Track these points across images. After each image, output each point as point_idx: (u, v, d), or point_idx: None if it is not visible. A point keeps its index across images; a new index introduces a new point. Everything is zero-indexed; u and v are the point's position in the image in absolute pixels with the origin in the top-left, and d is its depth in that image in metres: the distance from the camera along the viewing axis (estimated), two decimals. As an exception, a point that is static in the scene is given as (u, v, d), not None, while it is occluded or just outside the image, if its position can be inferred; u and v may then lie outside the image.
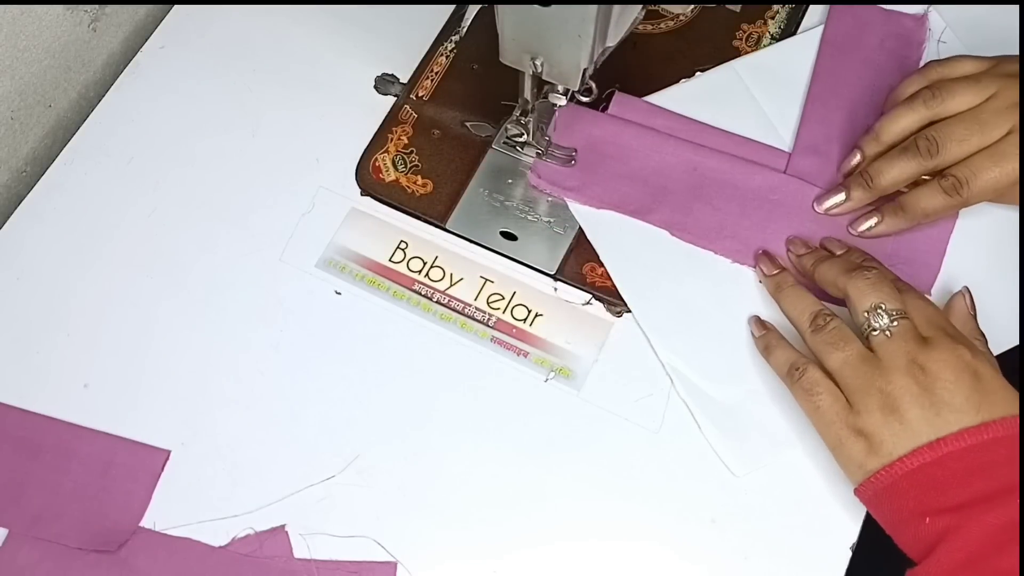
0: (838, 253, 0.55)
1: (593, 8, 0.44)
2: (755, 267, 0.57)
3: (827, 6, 0.65)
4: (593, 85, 0.59)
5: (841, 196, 0.57)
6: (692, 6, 0.65)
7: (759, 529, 0.52)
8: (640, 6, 0.54)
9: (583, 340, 0.57)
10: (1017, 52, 0.57)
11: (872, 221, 0.56)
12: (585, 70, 0.50)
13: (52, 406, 0.56)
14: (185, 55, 0.66)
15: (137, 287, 0.59)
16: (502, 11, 0.48)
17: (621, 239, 0.59)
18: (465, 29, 0.65)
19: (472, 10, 0.65)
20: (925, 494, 0.45)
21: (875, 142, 0.56)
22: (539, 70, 0.50)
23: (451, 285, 0.59)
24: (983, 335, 0.51)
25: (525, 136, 0.58)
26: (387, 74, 0.63)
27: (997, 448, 0.44)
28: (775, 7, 0.66)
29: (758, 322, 0.55)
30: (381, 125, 0.63)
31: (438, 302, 0.58)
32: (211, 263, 0.59)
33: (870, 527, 0.50)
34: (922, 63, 0.62)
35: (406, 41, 0.65)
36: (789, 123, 0.62)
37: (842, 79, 0.62)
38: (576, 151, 0.60)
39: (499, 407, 0.56)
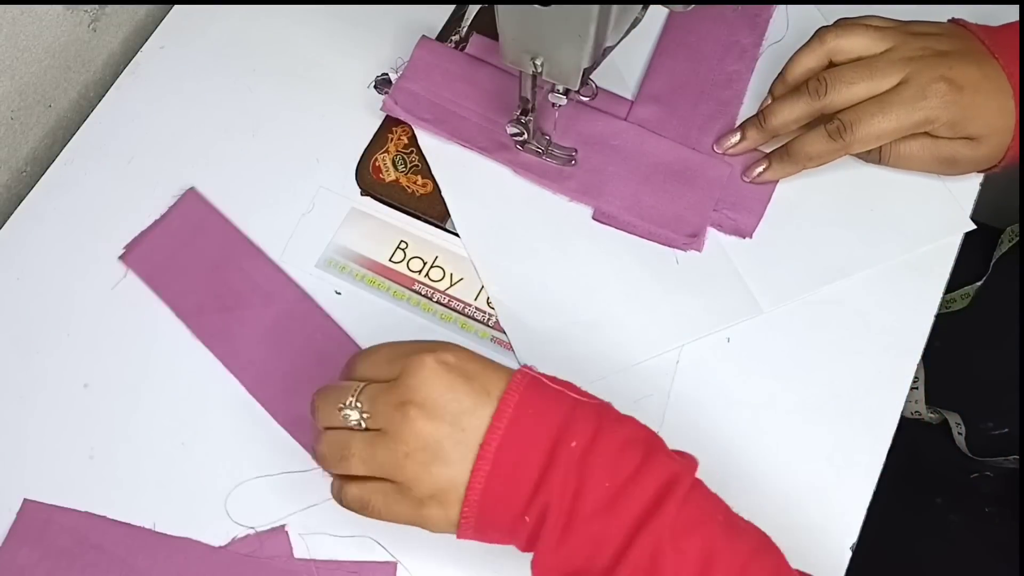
0: None
1: (593, 8, 0.44)
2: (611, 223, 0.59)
3: (828, 7, 0.65)
4: (594, 85, 0.60)
5: (736, 137, 0.59)
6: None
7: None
8: (640, 6, 0.54)
9: (583, 340, 0.57)
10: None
11: (761, 167, 0.59)
12: (585, 70, 0.50)
13: (52, 406, 0.56)
14: (185, 55, 0.66)
15: (137, 287, 0.59)
16: (502, 11, 0.48)
17: (464, 174, 0.61)
18: (465, 29, 0.65)
19: (472, 10, 0.65)
20: (508, 501, 0.43)
21: (758, 131, 0.58)
22: (539, 70, 0.50)
23: (451, 285, 0.59)
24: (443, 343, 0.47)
25: (525, 136, 0.58)
26: (387, 74, 0.63)
27: (523, 422, 0.43)
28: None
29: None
30: (381, 125, 0.63)
31: (438, 302, 0.58)
32: (211, 263, 0.59)
33: (870, 527, 0.50)
34: (771, 21, 0.64)
35: (406, 41, 0.65)
36: (635, 72, 0.64)
37: (691, 31, 0.64)
38: (576, 151, 0.60)
39: (499, 407, 0.56)
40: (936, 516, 0.74)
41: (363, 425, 0.44)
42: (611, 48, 0.52)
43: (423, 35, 0.63)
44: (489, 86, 0.62)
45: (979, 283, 0.75)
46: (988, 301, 0.75)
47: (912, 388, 0.77)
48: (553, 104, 0.54)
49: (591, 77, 0.61)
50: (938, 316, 0.57)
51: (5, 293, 0.59)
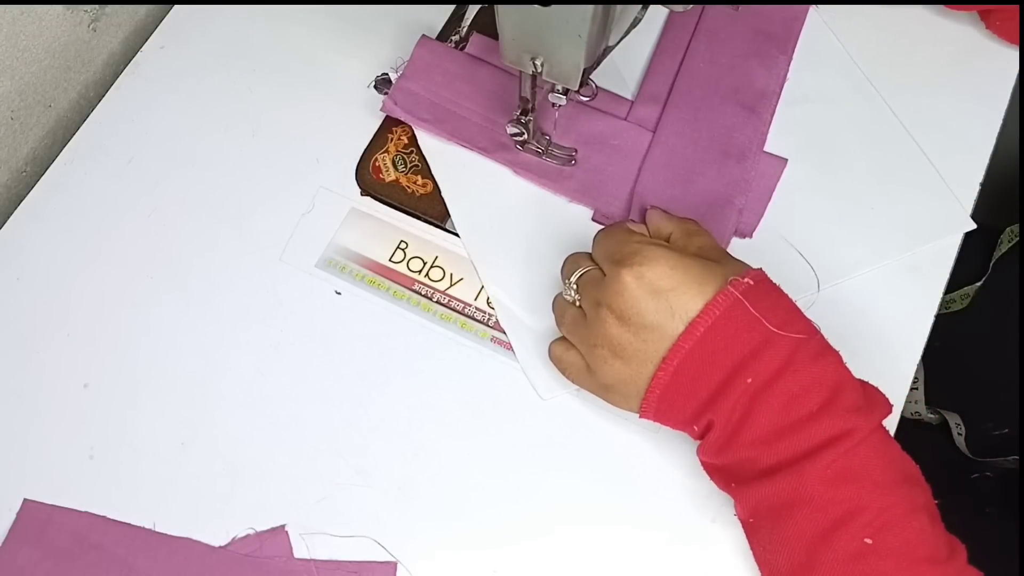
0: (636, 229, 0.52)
1: (593, 8, 0.44)
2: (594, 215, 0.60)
3: (828, 6, 0.66)
4: (594, 84, 0.60)
5: None
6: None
7: (759, 529, 0.52)
8: (640, 6, 0.54)
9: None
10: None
11: None
12: (585, 70, 0.50)
13: (52, 406, 0.56)
14: (185, 55, 0.66)
15: (137, 287, 0.59)
16: (502, 11, 0.48)
17: (464, 174, 0.61)
18: (465, 29, 0.65)
19: (472, 10, 0.65)
20: (680, 409, 0.47)
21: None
22: (539, 70, 0.50)
23: (451, 285, 0.59)
24: (692, 220, 0.52)
25: (525, 136, 0.58)
26: (387, 74, 0.63)
27: (713, 338, 0.45)
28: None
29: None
30: (381, 125, 0.63)
31: (438, 302, 0.58)
32: (211, 263, 0.59)
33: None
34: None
35: (406, 41, 0.65)
36: (635, 72, 0.64)
37: (692, 33, 0.64)
38: (576, 151, 0.60)
39: (499, 407, 0.56)
40: (936, 516, 0.74)
41: (577, 304, 0.50)
42: (611, 48, 0.52)
43: (423, 35, 0.64)
44: (489, 86, 0.62)
45: (979, 283, 0.75)
46: (988, 302, 0.75)
47: (912, 388, 0.77)
48: (553, 104, 0.54)
49: (591, 77, 0.61)
50: (938, 316, 0.57)
51: (5, 293, 0.59)
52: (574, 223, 0.60)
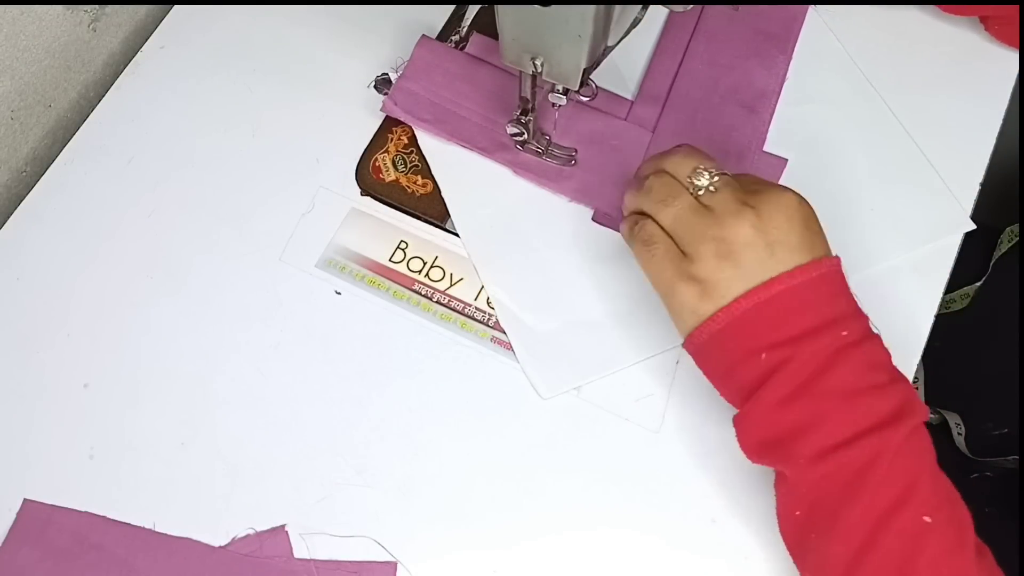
0: None
1: (593, 8, 0.44)
2: (611, 225, 0.59)
3: (828, 7, 0.65)
4: (594, 84, 0.60)
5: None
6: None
7: (759, 529, 0.52)
8: (640, 6, 0.54)
9: (583, 340, 0.57)
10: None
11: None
12: (585, 70, 0.50)
13: (52, 406, 0.56)
14: (185, 55, 0.66)
15: (137, 287, 0.59)
16: (502, 11, 0.48)
17: (464, 174, 0.61)
18: (465, 29, 0.65)
19: (472, 10, 0.65)
20: (760, 332, 0.46)
21: None
22: (539, 70, 0.50)
23: (451, 285, 0.59)
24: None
25: (525, 136, 0.58)
26: (387, 74, 0.63)
27: (822, 284, 0.46)
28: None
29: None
30: (381, 125, 0.63)
31: (438, 302, 0.58)
32: (211, 263, 0.59)
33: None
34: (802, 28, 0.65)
35: (406, 41, 0.65)
36: (635, 73, 0.64)
37: (691, 34, 0.64)
38: (576, 151, 0.60)
39: (499, 407, 0.56)
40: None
41: (700, 192, 0.48)
42: (611, 48, 0.52)
43: (423, 35, 0.64)
44: (489, 86, 0.62)
45: (979, 283, 0.75)
46: (988, 301, 0.75)
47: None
48: (553, 104, 0.54)
49: (591, 77, 0.61)
50: (938, 316, 0.57)
51: (5, 293, 0.59)
52: (574, 223, 0.60)
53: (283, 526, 0.53)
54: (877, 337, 0.47)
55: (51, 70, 0.64)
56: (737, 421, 0.48)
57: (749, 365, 0.46)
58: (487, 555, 0.52)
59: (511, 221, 0.60)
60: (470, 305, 0.58)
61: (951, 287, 0.62)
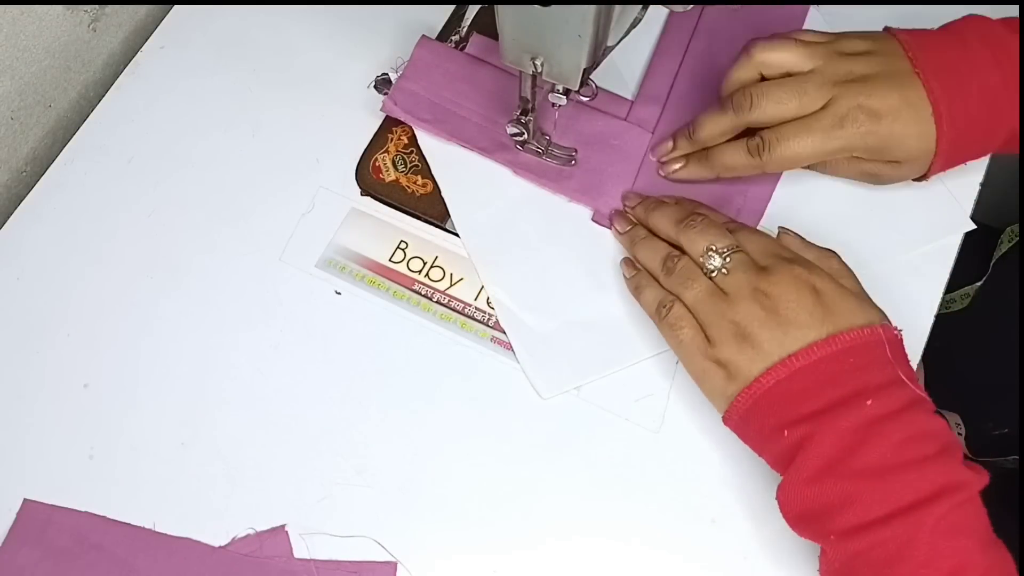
0: (672, 203, 0.57)
1: (593, 8, 0.44)
2: (610, 226, 0.59)
3: (827, 6, 0.65)
4: (594, 85, 0.60)
5: (669, 144, 0.59)
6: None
7: (759, 529, 0.52)
8: (640, 6, 0.54)
9: (583, 340, 0.57)
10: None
11: (678, 165, 0.59)
12: (585, 70, 0.50)
13: (52, 406, 0.56)
14: (185, 55, 0.66)
15: (137, 287, 0.59)
16: (502, 11, 0.48)
17: (464, 174, 0.61)
18: (465, 29, 0.65)
19: (472, 10, 0.65)
20: (782, 409, 0.46)
21: (687, 141, 0.58)
22: (539, 70, 0.50)
23: (451, 285, 0.59)
24: (832, 251, 0.53)
25: (525, 136, 0.58)
26: (387, 74, 0.63)
27: (846, 358, 0.46)
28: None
29: (628, 263, 0.57)
30: (381, 125, 0.63)
31: (438, 302, 0.58)
32: (211, 263, 0.59)
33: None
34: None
35: (406, 41, 0.65)
36: (635, 73, 0.64)
37: (691, 34, 0.64)
38: (576, 151, 0.60)
39: (499, 407, 0.56)
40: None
41: (713, 274, 0.50)
42: (611, 48, 0.52)
43: (423, 35, 0.63)
44: (489, 86, 0.62)
45: (979, 283, 0.75)
46: (988, 302, 0.75)
47: (912, 388, 0.77)
48: (553, 104, 0.54)
49: (591, 77, 0.61)
50: (938, 316, 0.57)
51: (5, 293, 0.59)
52: (574, 223, 0.60)
53: (283, 526, 0.53)
54: (923, 404, 0.46)
55: (51, 70, 0.64)
56: (778, 495, 0.48)
57: (775, 442, 0.47)
58: (487, 555, 0.52)
59: (511, 221, 0.60)
60: (470, 305, 0.58)
61: (951, 287, 0.62)
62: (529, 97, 0.55)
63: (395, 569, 0.52)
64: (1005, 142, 0.55)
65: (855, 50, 0.55)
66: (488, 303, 0.58)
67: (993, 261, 0.75)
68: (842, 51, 0.55)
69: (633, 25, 0.54)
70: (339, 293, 0.59)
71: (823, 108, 0.53)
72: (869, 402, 0.45)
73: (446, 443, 0.55)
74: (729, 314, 0.48)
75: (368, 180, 0.61)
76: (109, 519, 0.53)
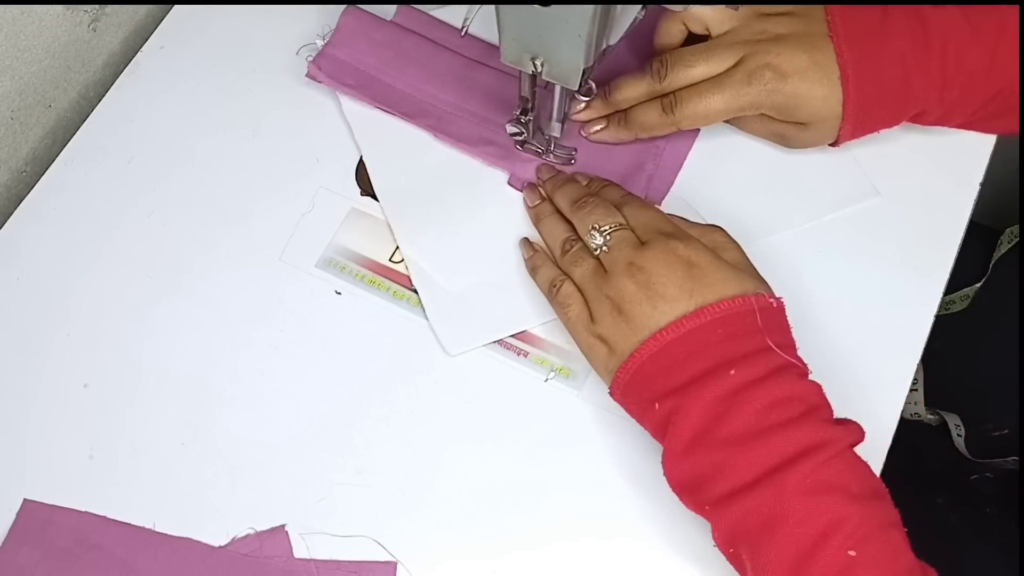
0: (583, 182, 0.58)
1: (593, 8, 0.44)
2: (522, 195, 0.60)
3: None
4: (593, 85, 0.60)
5: (582, 105, 0.60)
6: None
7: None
8: (640, 6, 0.54)
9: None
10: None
11: (598, 127, 0.60)
12: (585, 70, 0.50)
13: (52, 406, 0.56)
14: (185, 55, 0.66)
15: (137, 287, 0.59)
16: (502, 11, 0.48)
17: (386, 138, 0.62)
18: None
19: (472, 10, 0.65)
20: (654, 382, 0.48)
21: (602, 102, 0.59)
22: (539, 70, 0.50)
23: (451, 285, 0.59)
24: (716, 225, 0.53)
25: (525, 135, 0.58)
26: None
27: (714, 328, 0.47)
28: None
29: (527, 244, 0.58)
30: (381, 125, 0.63)
31: (438, 302, 0.58)
32: (211, 263, 0.59)
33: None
34: None
35: (406, 41, 0.65)
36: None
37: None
38: (576, 150, 0.60)
39: (499, 407, 0.56)
40: (936, 517, 0.74)
41: (597, 251, 0.52)
42: (611, 48, 0.52)
43: (348, 5, 0.64)
44: (414, 54, 0.63)
45: (978, 284, 0.75)
46: (988, 303, 0.75)
47: (912, 390, 0.77)
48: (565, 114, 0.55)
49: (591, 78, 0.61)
50: (937, 317, 0.57)
51: (5, 293, 0.59)
52: (491, 187, 0.61)
53: (283, 526, 0.53)
54: (790, 369, 0.47)
55: (51, 70, 0.64)
56: (663, 468, 0.48)
57: (650, 415, 0.48)
58: (487, 555, 0.52)
59: (429, 184, 0.61)
60: (470, 305, 0.58)
61: (951, 288, 0.62)
62: (529, 97, 0.55)
63: (395, 569, 0.52)
64: (918, 113, 0.56)
65: (776, 11, 0.56)
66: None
67: (993, 262, 0.75)
68: (762, 12, 0.56)
69: (633, 25, 0.54)
70: (339, 293, 0.59)
71: (734, 66, 0.55)
72: (732, 371, 0.45)
73: (446, 443, 0.55)
74: (606, 289, 0.50)
75: (368, 180, 0.61)
76: (109, 519, 0.53)
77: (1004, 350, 0.72)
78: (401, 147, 0.62)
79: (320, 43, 0.63)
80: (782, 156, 0.61)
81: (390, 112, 0.62)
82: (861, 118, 0.55)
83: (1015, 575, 0.65)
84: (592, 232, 0.52)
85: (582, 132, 0.61)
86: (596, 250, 0.52)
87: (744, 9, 0.56)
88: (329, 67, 0.62)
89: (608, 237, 0.51)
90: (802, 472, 0.44)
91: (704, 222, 0.54)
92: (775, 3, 0.57)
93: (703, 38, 0.58)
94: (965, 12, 0.54)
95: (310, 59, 0.63)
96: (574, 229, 0.55)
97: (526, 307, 0.57)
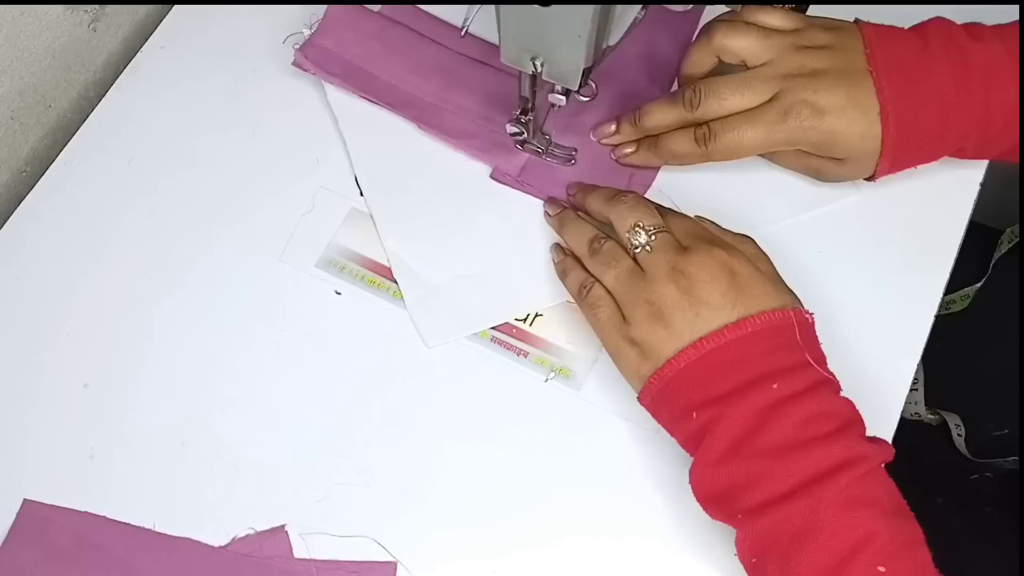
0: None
1: (593, 8, 0.44)
2: (511, 184, 0.60)
3: (828, 6, 0.65)
4: (593, 85, 0.60)
5: (612, 127, 0.60)
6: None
7: (759, 529, 0.52)
8: (640, 6, 0.54)
9: (583, 340, 0.57)
10: None
11: (629, 149, 0.60)
12: (585, 70, 0.50)
13: (52, 406, 0.56)
14: (185, 55, 0.66)
15: (137, 287, 0.59)
16: (502, 11, 0.48)
17: (370, 129, 0.62)
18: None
19: (473, 10, 0.65)
20: (692, 391, 0.47)
21: (632, 127, 0.59)
22: (539, 70, 0.50)
23: (451, 285, 0.59)
24: (748, 236, 0.53)
25: (525, 135, 0.58)
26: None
27: (756, 341, 0.47)
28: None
29: (558, 249, 0.58)
30: (381, 125, 0.63)
31: (438, 302, 0.58)
32: (211, 263, 0.59)
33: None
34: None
35: (406, 41, 0.65)
36: None
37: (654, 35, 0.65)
38: (576, 150, 0.60)
39: (499, 407, 0.56)
40: (936, 517, 0.74)
41: (637, 250, 0.50)
42: (611, 48, 0.52)
43: (348, 4, 0.64)
44: (400, 46, 0.64)
45: (979, 284, 0.75)
46: (988, 303, 0.75)
47: (912, 389, 0.77)
48: (552, 105, 0.54)
49: (591, 78, 0.61)
50: (938, 317, 0.57)
51: (5, 293, 0.59)
52: (473, 180, 0.61)
53: (283, 526, 0.53)
54: (827, 385, 0.47)
55: (51, 70, 0.64)
56: (690, 477, 0.48)
57: (685, 424, 0.48)
58: (487, 555, 0.52)
59: (412, 176, 0.61)
60: (470, 305, 0.58)
61: (951, 287, 0.62)
62: (529, 97, 0.55)
63: (395, 569, 0.52)
64: (958, 149, 0.56)
65: (814, 43, 0.55)
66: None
67: (993, 262, 0.75)
68: (800, 44, 0.55)
69: (633, 25, 0.54)
70: (339, 293, 0.59)
71: (770, 100, 0.54)
72: (775, 385, 0.45)
73: (446, 443, 0.55)
74: (645, 293, 0.49)
75: (368, 180, 0.61)
76: (109, 519, 0.53)
77: (1004, 350, 0.72)
78: (385, 138, 0.62)
79: (307, 32, 0.64)
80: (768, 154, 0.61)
81: (375, 102, 0.62)
82: (899, 155, 0.55)
83: (1015, 575, 0.65)
84: (636, 229, 0.51)
85: (612, 154, 0.60)
86: (638, 248, 0.50)
87: (779, 41, 0.55)
88: (315, 56, 0.63)
89: (653, 237, 0.50)
90: (838, 486, 0.44)
91: (733, 231, 0.54)
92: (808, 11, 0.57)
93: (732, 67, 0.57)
94: (1006, 44, 0.53)
95: (297, 47, 0.63)
96: (599, 230, 0.54)
97: (506, 300, 0.58)
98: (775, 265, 0.52)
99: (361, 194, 0.61)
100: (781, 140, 0.55)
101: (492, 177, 0.61)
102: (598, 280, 0.52)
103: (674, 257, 0.49)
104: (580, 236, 0.54)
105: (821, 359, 0.48)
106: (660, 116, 0.57)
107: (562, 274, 0.56)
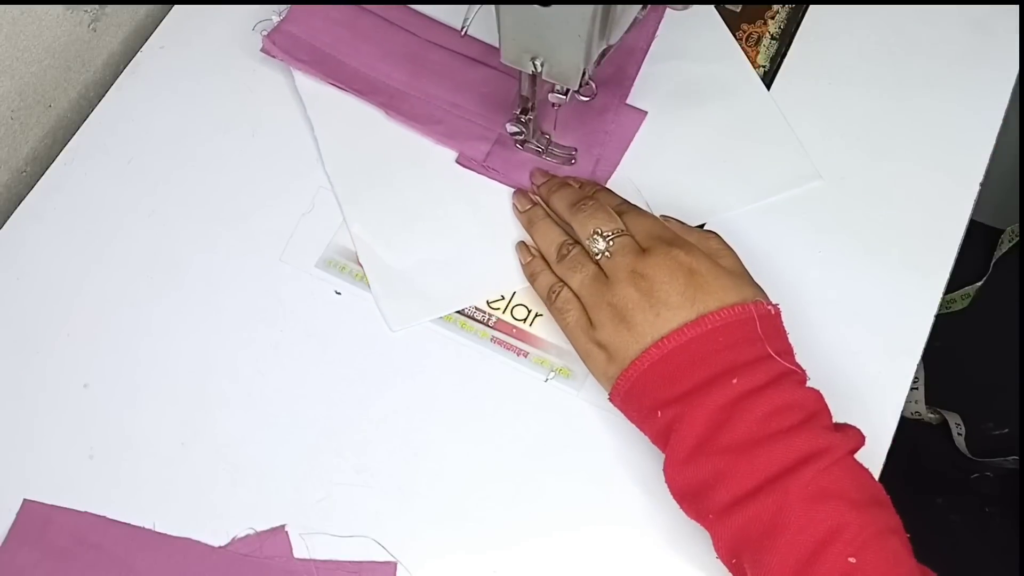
0: (576, 186, 0.58)
1: (593, 8, 0.44)
2: (481, 171, 0.61)
3: (828, 6, 0.66)
4: (593, 84, 0.60)
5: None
6: (691, 5, 0.65)
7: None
8: (640, 6, 0.54)
9: (583, 340, 0.57)
10: None
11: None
12: (585, 70, 0.50)
13: (52, 406, 0.56)
14: (185, 55, 0.66)
15: (137, 287, 0.59)
16: (502, 11, 0.48)
17: (338, 115, 0.62)
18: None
19: (473, 10, 0.65)
20: (656, 390, 0.48)
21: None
22: (539, 70, 0.50)
23: (451, 285, 0.59)
24: (713, 231, 0.54)
25: (525, 135, 0.58)
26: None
27: (716, 337, 0.47)
28: (775, 7, 0.66)
29: (524, 249, 0.58)
30: (380, 125, 0.63)
31: (438, 302, 0.58)
32: (211, 263, 0.59)
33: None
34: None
35: (406, 41, 0.65)
36: None
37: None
38: (576, 150, 0.60)
39: (499, 407, 0.56)
40: (936, 516, 0.74)
41: (598, 256, 0.52)
42: (611, 48, 0.52)
43: (349, 4, 0.65)
44: (369, 33, 0.64)
45: (979, 283, 0.75)
46: (988, 301, 0.75)
47: (912, 388, 0.77)
48: (553, 104, 0.54)
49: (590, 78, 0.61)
50: (938, 316, 0.57)
51: (5, 293, 0.59)
52: (439, 165, 0.61)
53: (283, 526, 0.53)
54: (790, 376, 0.47)
55: (51, 70, 0.64)
56: (664, 477, 0.48)
57: (652, 423, 0.48)
58: (487, 555, 0.52)
59: (379, 162, 0.61)
60: (470, 305, 0.58)
61: (951, 287, 0.62)
62: (529, 96, 0.55)
63: (395, 569, 0.52)
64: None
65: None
66: (488, 303, 0.58)
67: (993, 261, 0.75)
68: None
69: (633, 25, 0.54)
70: (339, 293, 0.59)
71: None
72: (735, 380, 0.46)
73: (446, 443, 0.55)
74: (608, 296, 0.50)
75: (368, 180, 0.61)
76: (109, 519, 0.53)
77: (1004, 349, 0.72)
78: (352, 124, 0.62)
79: (276, 19, 0.64)
80: (725, 140, 0.62)
81: (342, 88, 0.62)
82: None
83: (1015, 575, 0.65)
84: (594, 237, 0.52)
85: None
86: (598, 255, 0.52)
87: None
88: (284, 42, 0.63)
89: (611, 243, 0.51)
90: (803, 479, 0.44)
91: (697, 228, 0.54)
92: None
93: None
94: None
95: (265, 34, 0.63)
96: (567, 233, 0.55)
97: (470, 284, 0.58)
98: (778, 262, 0.52)
99: (328, 180, 0.61)
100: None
101: (458, 162, 0.61)
102: (566, 284, 0.53)
103: (633, 260, 0.50)
104: (549, 240, 0.55)
105: (787, 351, 0.49)
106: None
107: (531, 277, 0.56)
